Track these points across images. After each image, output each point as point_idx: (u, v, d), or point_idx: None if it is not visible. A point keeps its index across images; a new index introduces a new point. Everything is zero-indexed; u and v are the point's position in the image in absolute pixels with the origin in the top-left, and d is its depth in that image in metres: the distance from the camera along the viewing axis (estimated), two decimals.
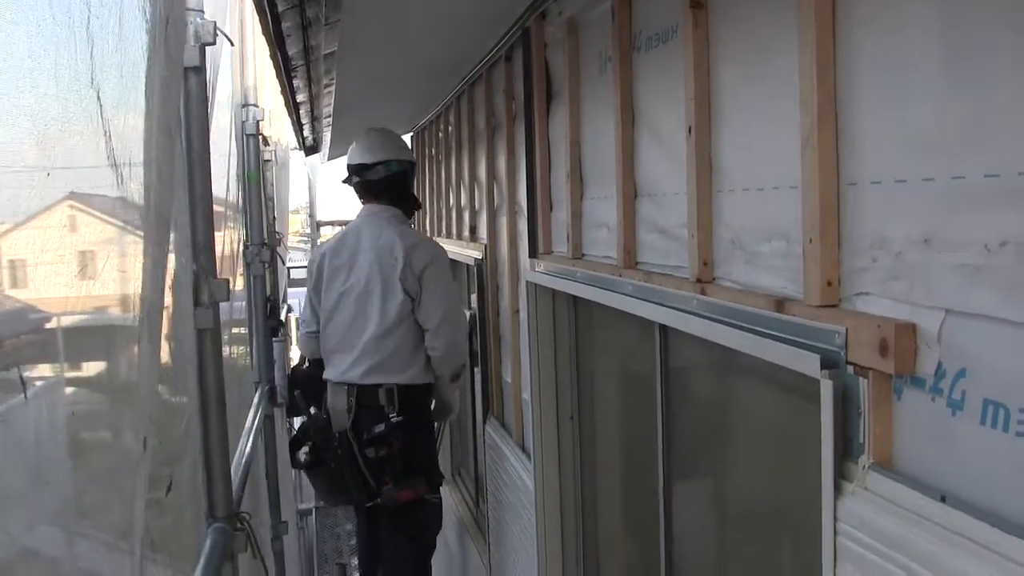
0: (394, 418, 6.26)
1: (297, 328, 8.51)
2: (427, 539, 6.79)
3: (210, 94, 3.71)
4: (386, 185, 6.71)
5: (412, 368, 6.40)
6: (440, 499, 6.76)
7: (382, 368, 6.37)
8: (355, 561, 10.08)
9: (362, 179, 6.76)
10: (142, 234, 2.58)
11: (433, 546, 6.89)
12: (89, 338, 2.38)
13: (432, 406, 6.73)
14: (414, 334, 6.38)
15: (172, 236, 3.50)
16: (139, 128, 2.58)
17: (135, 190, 2.51)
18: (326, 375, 6.63)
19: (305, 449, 6.61)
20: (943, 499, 2.06)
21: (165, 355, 3.44)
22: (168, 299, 3.43)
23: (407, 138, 12.47)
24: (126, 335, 2.50)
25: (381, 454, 6.25)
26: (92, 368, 2.50)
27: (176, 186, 3.47)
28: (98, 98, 2.24)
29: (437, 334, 6.35)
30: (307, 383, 6.93)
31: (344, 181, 7.01)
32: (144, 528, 2.47)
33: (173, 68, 3.00)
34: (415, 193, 7.03)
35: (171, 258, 3.46)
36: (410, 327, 6.36)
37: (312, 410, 6.74)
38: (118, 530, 2.35)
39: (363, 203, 6.85)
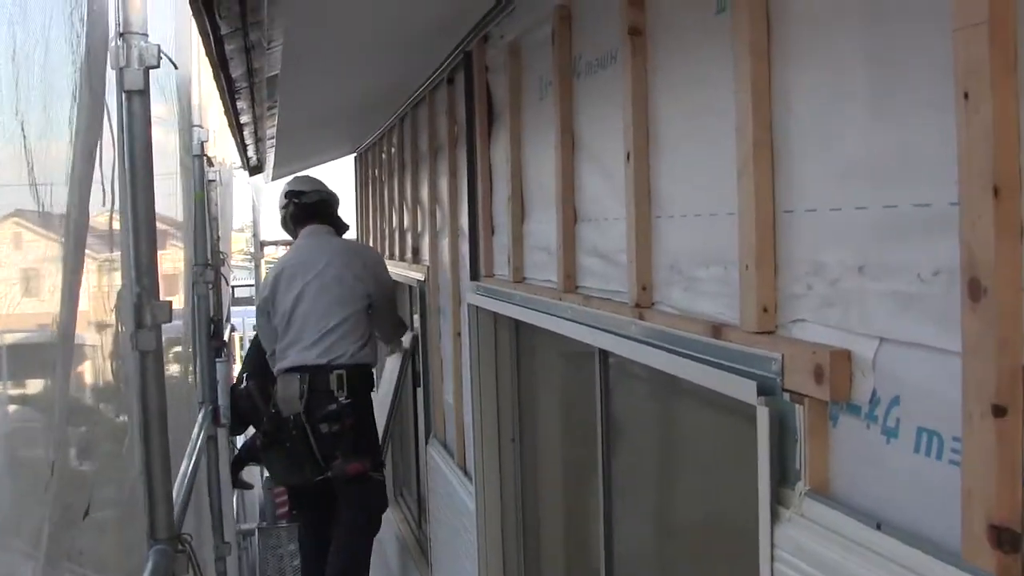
0: (343, 400, 7.02)
1: (240, 348, 9.08)
2: (374, 512, 7.47)
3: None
4: (319, 208, 7.84)
5: (362, 350, 7.27)
6: (384, 478, 7.56)
7: (334, 350, 7.16)
8: None
9: (300, 202, 7.83)
10: (60, 258, 2.56)
11: (378, 525, 7.55)
12: (12, 358, 2.36)
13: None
14: (364, 321, 7.36)
15: (118, 256, 3.49)
16: (62, 155, 2.58)
17: (56, 216, 2.50)
18: (279, 367, 7.34)
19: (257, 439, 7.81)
20: (878, 526, 2.07)
21: (107, 375, 3.42)
22: (112, 318, 3.42)
23: (348, 160, 12.55)
24: (43, 357, 2.48)
25: (334, 429, 6.99)
26: (14, 388, 2.48)
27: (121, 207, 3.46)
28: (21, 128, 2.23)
29: (383, 320, 7.79)
30: (246, 400, 8.01)
31: (282, 208, 8.10)
32: (55, 548, 2.44)
33: (95, 97, 2.99)
34: (341, 218, 8.12)
35: (114, 277, 3.45)
36: (360, 315, 7.33)
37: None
38: (23, 553, 2.32)
39: (299, 228, 7.86)
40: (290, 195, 7.90)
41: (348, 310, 7.26)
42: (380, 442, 7.85)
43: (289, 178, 8.38)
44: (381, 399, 8.69)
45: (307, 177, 8.34)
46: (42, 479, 2.38)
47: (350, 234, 8.75)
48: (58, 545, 2.49)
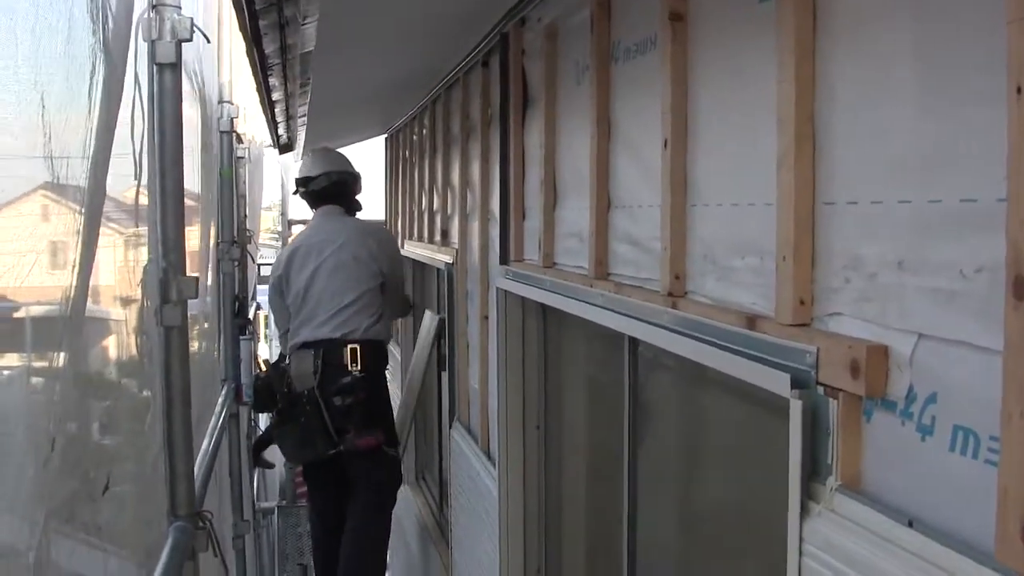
0: (357, 373, 7.07)
1: (265, 326, 9.04)
2: (387, 488, 7.52)
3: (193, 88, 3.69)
4: (329, 191, 7.86)
5: (375, 326, 7.36)
6: (397, 454, 7.66)
7: (348, 324, 7.24)
8: None
9: (307, 189, 7.95)
10: (76, 233, 2.55)
11: (394, 500, 7.63)
12: (11, 334, 2.36)
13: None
14: (377, 299, 7.45)
15: (144, 231, 3.49)
16: (81, 128, 2.56)
17: (72, 190, 2.49)
18: (293, 342, 7.40)
19: (272, 416, 7.73)
20: (910, 524, 2.06)
21: (131, 350, 3.42)
22: (137, 294, 3.41)
23: (379, 140, 12.47)
24: (49, 332, 2.47)
25: (348, 402, 7.01)
26: (11, 363, 2.48)
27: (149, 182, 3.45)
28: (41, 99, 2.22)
29: (393, 299, 7.79)
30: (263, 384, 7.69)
31: (293, 193, 8.38)
32: (75, 521, 2.44)
33: (114, 70, 2.97)
34: (355, 195, 8.13)
35: (141, 253, 3.44)
36: (374, 293, 7.43)
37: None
38: (25, 521, 2.31)
39: (314, 208, 8.03)
40: (299, 182, 8.08)
41: (362, 287, 7.36)
42: (403, 422, 8.02)
43: (305, 157, 8.58)
44: (409, 380, 8.75)
45: (320, 155, 8.26)
46: (43, 454, 2.37)
47: (369, 215, 9.08)
48: (63, 522, 2.49)
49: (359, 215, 8.32)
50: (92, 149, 2.65)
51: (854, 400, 2.30)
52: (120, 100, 3.14)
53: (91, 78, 2.63)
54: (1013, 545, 1.77)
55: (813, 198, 2.50)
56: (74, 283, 2.52)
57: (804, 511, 2.40)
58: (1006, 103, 1.77)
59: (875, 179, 2.28)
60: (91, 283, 2.58)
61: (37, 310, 2.50)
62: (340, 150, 8.92)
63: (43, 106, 2.25)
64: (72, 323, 2.56)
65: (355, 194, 8.08)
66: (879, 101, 2.27)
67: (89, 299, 2.61)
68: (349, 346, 7.13)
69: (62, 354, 2.51)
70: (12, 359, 2.52)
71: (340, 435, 7.05)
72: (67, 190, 2.49)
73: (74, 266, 2.53)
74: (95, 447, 3.05)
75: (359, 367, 7.10)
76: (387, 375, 7.96)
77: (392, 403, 7.82)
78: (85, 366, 2.94)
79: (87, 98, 2.61)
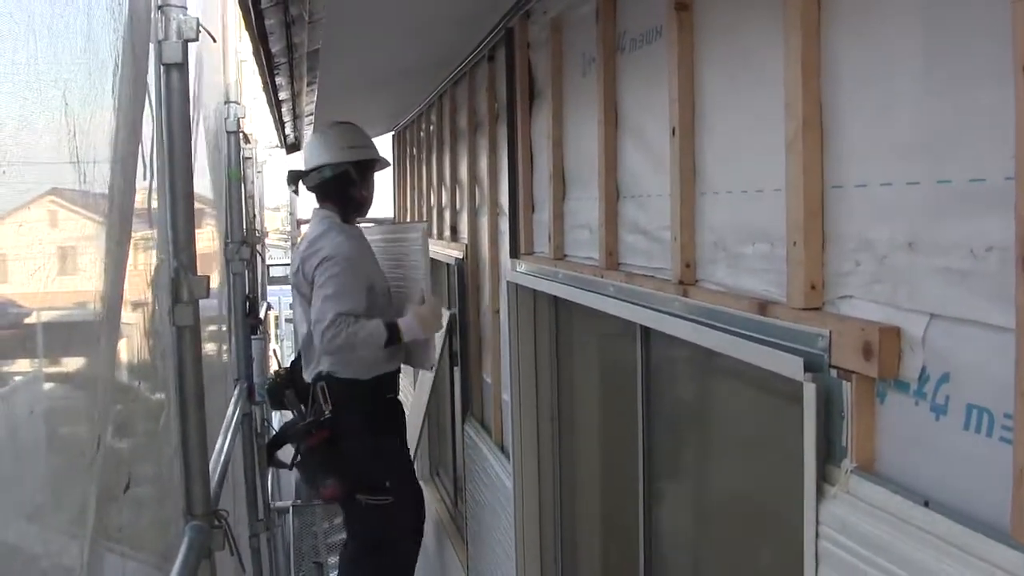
0: (328, 413, 6.30)
1: (276, 326, 8.63)
2: (362, 542, 6.66)
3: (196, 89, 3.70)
4: (322, 190, 6.63)
5: (337, 361, 6.31)
6: (384, 501, 6.41)
7: (309, 359, 6.47)
8: (332, 559, 10.08)
9: (297, 187, 6.84)
10: (105, 232, 2.56)
11: (375, 548, 6.56)
12: (51, 335, 2.36)
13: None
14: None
15: (154, 233, 3.49)
16: (105, 126, 2.56)
17: (99, 189, 2.49)
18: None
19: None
20: (926, 504, 2.06)
21: (144, 352, 3.43)
22: (148, 296, 3.42)
23: (387, 137, 12.41)
24: (85, 334, 2.48)
25: (301, 448, 6.47)
26: (52, 366, 2.48)
27: (159, 182, 3.46)
28: (63, 96, 2.23)
29: (315, 332, 6.12)
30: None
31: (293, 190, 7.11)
32: (97, 524, 2.45)
33: (139, 67, 2.98)
34: (360, 192, 6.68)
35: (151, 255, 3.45)
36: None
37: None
38: (69, 526, 2.33)
39: None
40: (290, 177, 6.90)
41: (307, 320, 6.33)
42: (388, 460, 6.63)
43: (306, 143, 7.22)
44: (412, 415, 8.30)
45: (318, 141, 6.80)
46: (88, 455, 2.38)
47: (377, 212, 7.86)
48: (101, 522, 2.50)
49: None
50: (119, 148, 2.66)
51: (867, 382, 2.30)
52: (144, 98, 3.15)
53: (114, 76, 2.64)
54: None
55: (822, 182, 2.50)
56: (105, 285, 2.53)
57: (820, 494, 2.41)
58: (1012, 82, 1.78)
59: (883, 161, 2.28)
60: (88, 289, 2.59)
61: (75, 313, 2.51)
62: None
63: (66, 103, 2.26)
64: (109, 323, 2.58)
65: (355, 191, 6.64)
66: (885, 83, 2.28)
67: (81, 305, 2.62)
68: (319, 383, 6.36)
69: (101, 355, 2.52)
70: (60, 362, 2.53)
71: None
72: (94, 189, 2.50)
73: (104, 267, 2.54)
74: (117, 449, 3.06)
75: (329, 406, 6.30)
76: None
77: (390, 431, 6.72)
78: (119, 367, 2.95)
79: (111, 96, 2.62)
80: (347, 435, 6.36)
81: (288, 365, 7.22)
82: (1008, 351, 1.83)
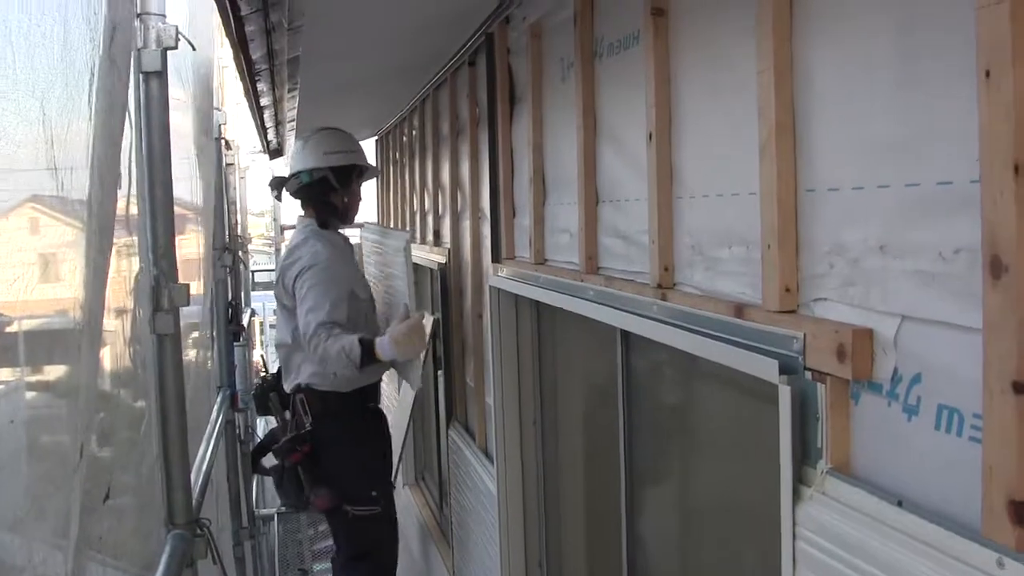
0: (308, 425, 6.18)
1: (261, 332, 8.57)
2: (350, 550, 6.53)
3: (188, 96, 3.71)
4: (302, 196, 6.54)
5: (317, 373, 6.18)
6: (371, 511, 6.33)
7: (289, 370, 6.34)
8: (317, 567, 10.06)
9: (280, 193, 6.74)
10: (85, 240, 2.56)
11: (365, 556, 6.49)
12: (31, 344, 2.37)
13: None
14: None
15: (135, 240, 3.50)
16: (83, 135, 2.57)
17: (77, 198, 2.50)
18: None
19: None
20: (900, 504, 2.08)
21: (125, 360, 3.43)
22: (129, 303, 3.42)
23: (370, 143, 12.39)
24: (66, 342, 2.48)
25: (286, 463, 6.25)
26: (33, 375, 2.48)
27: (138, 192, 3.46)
28: (41, 106, 2.23)
29: (304, 345, 6.01)
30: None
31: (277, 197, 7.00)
32: (82, 534, 2.46)
33: (118, 76, 2.98)
34: (341, 199, 6.53)
35: (133, 262, 3.45)
36: (300, 338, 6.07)
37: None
38: (54, 535, 2.33)
39: None
40: (274, 184, 6.83)
41: (286, 333, 6.34)
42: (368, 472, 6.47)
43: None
44: (396, 423, 8.18)
45: (299, 150, 6.66)
46: (71, 464, 2.39)
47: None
48: (84, 531, 2.51)
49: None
50: (95, 157, 2.66)
51: (841, 384, 2.32)
52: (125, 107, 3.14)
53: (90, 86, 2.64)
54: (999, 520, 1.80)
55: (795, 186, 2.52)
56: (85, 293, 2.54)
57: (796, 495, 2.43)
58: (976, 87, 1.81)
59: (855, 165, 2.30)
60: (69, 297, 2.59)
61: (55, 322, 2.51)
62: None
63: (43, 113, 2.27)
64: (91, 331, 2.58)
65: (335, 198, 6.49)
66: (856, 88, 2.30)
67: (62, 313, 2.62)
68: (299, 395, 6.24)
69: (83, 364, 2.53)
70: (42, 370, 2.54)
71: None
72: (71, 199, 2.50)
73: (86, 276, 2.54)
74: (98, 457, 3.07)
75: (309, 418, 6.19)
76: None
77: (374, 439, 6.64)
78: (101, 375, 2.95)
79: (87, 106, 2.62)
80: (329, 447, 6.25)
81: (275, 371, 6.99)
82: (977, 352, 1.85)
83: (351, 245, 6.75)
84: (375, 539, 6.46)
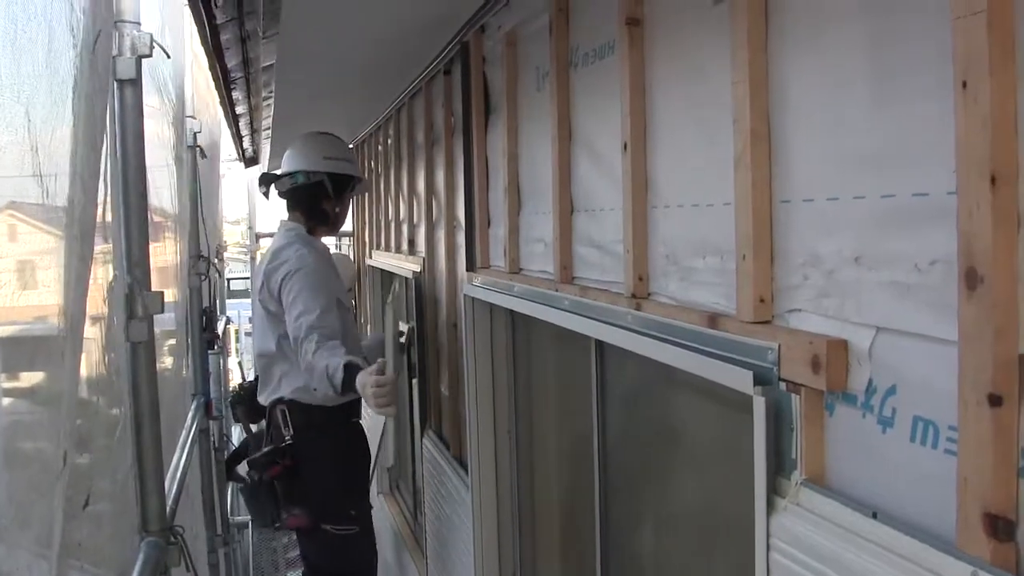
0: (288, 439, 5.99)
1: (236, 340, 8.53)
2: (329, 570, 6.30)
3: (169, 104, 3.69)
4: (292, 197, 6.38)
5: (290, 387, 6.04)
6: (349, 531, 6.16)
7: (266, 387, 6.17)
8: (291, 574, 10.04)
9: (268, 190, 6.54)
10: (65, 246, 2.55)
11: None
12: (12, 350, 2.35)
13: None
14: (291, 352, 5.91)
15: (111, 247, 3.48)
16: (66, 142, 2.56)
17: (60, 204, 2.48)
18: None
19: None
20: (874, 515, 2.08)
21: (101, 367, 3.41)
22: (104, 310, 3.41)
23: None
24: (48, 349, 2.47)
25: (263, 478, 6.06)
26: (15, 381, 2.47)
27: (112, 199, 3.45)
28: (26, 112, 2.22)
29: (294, 347, 5.76)
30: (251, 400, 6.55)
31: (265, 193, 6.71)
32: (62, 541, 2.44)
33: (99, 82, 2.96)
34: (332, 207, 6.44)
35: (108, 270, 3.44)
36: (286, 346, 5.94)
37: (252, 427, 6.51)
38: (38, 543, 2.32)
39: None
40: (264, 180, 6.65)
41: (268, 342, 6.13)
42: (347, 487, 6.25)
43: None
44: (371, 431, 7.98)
45: (297, 148, 6.50)
46: (54, 471, 2.37)
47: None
48: (65, 537, 2.49)
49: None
50: (79, 163, 2.65)
51: (816, 395, 2.32)
52: (105, 114, 3.13)
53: (74, 92, 2.63)
54: (974, 533, 1.80)
55: (770, 196, 2.52)
56: (65, 300, 2.52)
57: (771, 506, 2.43)
58: (953, 98, 1.81)
59: (830, 176, 2.30)
60: (51, 304, 2.58)
61: (37, 328, 2.50)
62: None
63: (28, 119, 2.26)
64: (72, 338, 2.56)
65: (327, 205, 6.40)
66: (831, 99, 2.30)
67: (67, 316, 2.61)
68: (279, 407, 6.04)
69: (66, 371, 2.51)
70: (24, 377, 2.52)
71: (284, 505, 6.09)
72: (55, 205, 2.49)
73: (67, 282, 2.53)
74: (78, 464, 3.05)
75: (290, 431, 5.99)
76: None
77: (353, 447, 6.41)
78: (81, 383, 2.94)
79: (71, 112, 2.61)
80: (310, 462, 6.05)
81: (252, 379, 6.87)
82: (952, 363, 1.85)
83: (331, 255, 6.67)
84: (352, 559, 6.29)
